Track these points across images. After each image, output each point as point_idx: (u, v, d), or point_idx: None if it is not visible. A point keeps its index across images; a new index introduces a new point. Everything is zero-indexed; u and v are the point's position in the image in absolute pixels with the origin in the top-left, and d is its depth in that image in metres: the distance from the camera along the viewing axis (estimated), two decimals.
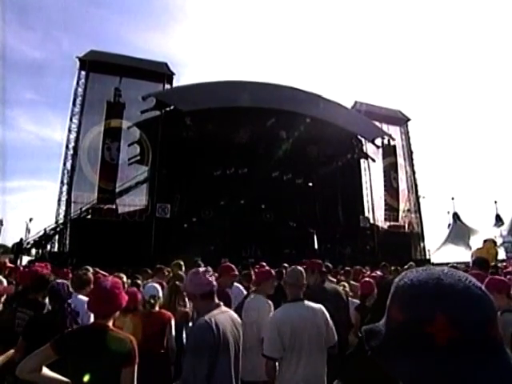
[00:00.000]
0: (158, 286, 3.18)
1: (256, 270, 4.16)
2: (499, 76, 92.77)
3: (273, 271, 3.28)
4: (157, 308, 2.99)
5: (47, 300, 2.64)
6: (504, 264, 10.15)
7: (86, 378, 1.56)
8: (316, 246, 21.03)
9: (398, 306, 0.56)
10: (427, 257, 20.08)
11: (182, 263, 5.06)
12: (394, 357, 0.55)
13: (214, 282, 1.90)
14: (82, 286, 3.12)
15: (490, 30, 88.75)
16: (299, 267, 2.55)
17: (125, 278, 4.02)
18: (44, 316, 2.45)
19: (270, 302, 2.97)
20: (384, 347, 0.57)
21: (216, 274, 2.85)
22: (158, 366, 2.68)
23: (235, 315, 2.02)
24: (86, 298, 2.75)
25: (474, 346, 0.50)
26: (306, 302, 2.37)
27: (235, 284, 3.89)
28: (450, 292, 0.52)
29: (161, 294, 3.13)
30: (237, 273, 3.85)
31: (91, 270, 4.24)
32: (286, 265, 5.01)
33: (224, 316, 1.87)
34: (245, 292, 3.69)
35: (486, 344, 0.50)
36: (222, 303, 1.93)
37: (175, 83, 18.07)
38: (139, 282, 4.12)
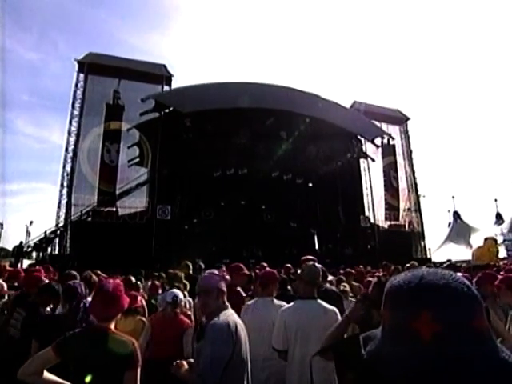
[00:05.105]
0: (178, 291, 3.11)
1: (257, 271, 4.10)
2: (499, 74, 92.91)
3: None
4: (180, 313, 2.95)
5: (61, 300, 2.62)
6: (505, 262, 10.14)
7: (88, 381, 1.55)
8: (317, 246, 21.04)
9: (387, 309, 0.59)
10: (428, 256, 20.05)
11: (190, 264, 4.85)
12: (387, 358, 0.56)
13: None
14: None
15: (490, 28, 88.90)
16: (317, 265, 2.45)
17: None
18: (56, 316, 2.45)
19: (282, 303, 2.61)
20: (378, 350, 0.59)
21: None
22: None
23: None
24: None
25: (458, 339, 0.51)
26: (319, 301, 2.31)
27: None
28: (431, 289, 0.54)
29: (181, 299, 3.11)
30: (247, 272, 3.65)
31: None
32: (288, 265, 5.00)
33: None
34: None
35: (471, 336, 0.51)
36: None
37: (174, 85, 18.05)
38: (140, 283, 4.13)
